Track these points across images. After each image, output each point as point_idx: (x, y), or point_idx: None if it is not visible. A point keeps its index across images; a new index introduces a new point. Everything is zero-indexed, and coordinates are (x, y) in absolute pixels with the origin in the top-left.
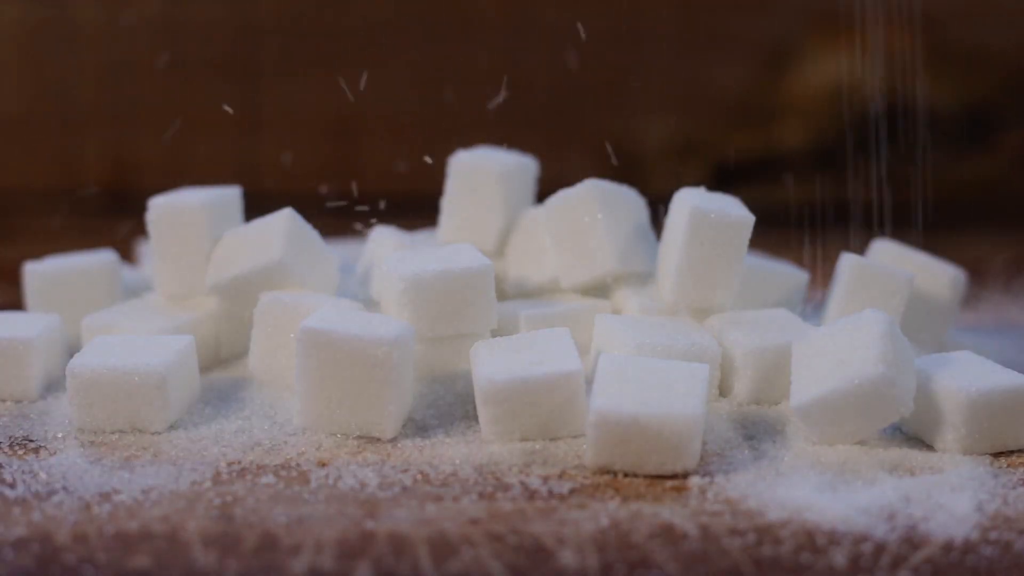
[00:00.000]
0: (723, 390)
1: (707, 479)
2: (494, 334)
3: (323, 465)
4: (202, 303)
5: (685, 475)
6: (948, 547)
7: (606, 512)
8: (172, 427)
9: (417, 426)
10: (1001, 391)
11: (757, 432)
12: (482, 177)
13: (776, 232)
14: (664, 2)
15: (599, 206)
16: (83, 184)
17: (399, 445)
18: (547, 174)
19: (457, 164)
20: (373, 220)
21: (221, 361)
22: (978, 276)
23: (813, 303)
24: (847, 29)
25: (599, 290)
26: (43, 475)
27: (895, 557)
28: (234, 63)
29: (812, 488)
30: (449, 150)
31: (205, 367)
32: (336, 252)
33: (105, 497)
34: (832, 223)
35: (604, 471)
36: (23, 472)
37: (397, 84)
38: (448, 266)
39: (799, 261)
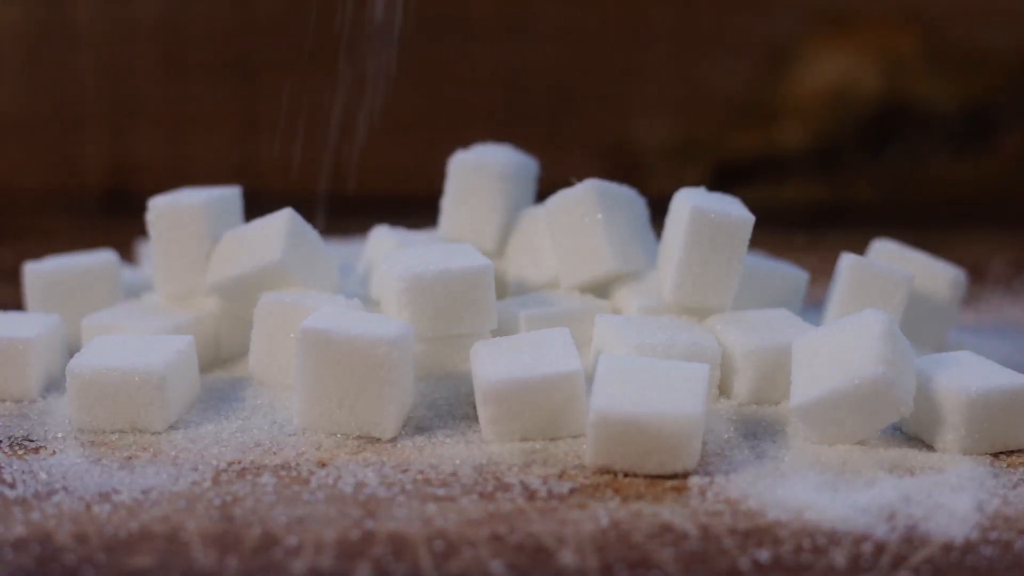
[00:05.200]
0: (723, 390)
1: (707, 479)
2: (494, 334)
3: (323, 465)
4: (202, 303)
5: (685, 475)
6: (948, 547)
7: (606, 512)
8: (172, 427)
9: (417, 426)
10: (1001, 391)
11: (757, 432)
12: (482, 177)
13: (776, 232)
14: (664, 2)
15: (599, 206)
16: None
17: (399, 445)
18: (547, 174)
19: (457, 164)
20: (373, 220)
21: (221, 361)
22: (978, 276)
23: (813, 303)
24: (847, 29)
25: (599, 290)
26: (43, 475)
27: (895, 557)
28: (234, 63)
29: (812, 488)
30: (449, 150)
31: (205, 367)
32: (336, 252)
33: (105, 497)
34: (832, 223)
35: (604, 471)
36: (23, 472)
37: (397, 84)
38: (448, 266)
39: (799, 261)
